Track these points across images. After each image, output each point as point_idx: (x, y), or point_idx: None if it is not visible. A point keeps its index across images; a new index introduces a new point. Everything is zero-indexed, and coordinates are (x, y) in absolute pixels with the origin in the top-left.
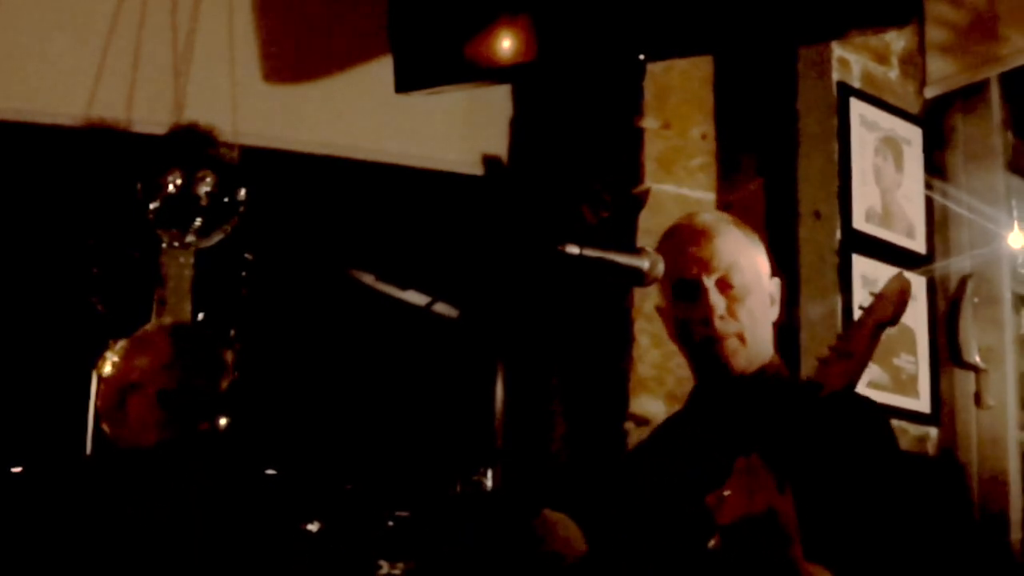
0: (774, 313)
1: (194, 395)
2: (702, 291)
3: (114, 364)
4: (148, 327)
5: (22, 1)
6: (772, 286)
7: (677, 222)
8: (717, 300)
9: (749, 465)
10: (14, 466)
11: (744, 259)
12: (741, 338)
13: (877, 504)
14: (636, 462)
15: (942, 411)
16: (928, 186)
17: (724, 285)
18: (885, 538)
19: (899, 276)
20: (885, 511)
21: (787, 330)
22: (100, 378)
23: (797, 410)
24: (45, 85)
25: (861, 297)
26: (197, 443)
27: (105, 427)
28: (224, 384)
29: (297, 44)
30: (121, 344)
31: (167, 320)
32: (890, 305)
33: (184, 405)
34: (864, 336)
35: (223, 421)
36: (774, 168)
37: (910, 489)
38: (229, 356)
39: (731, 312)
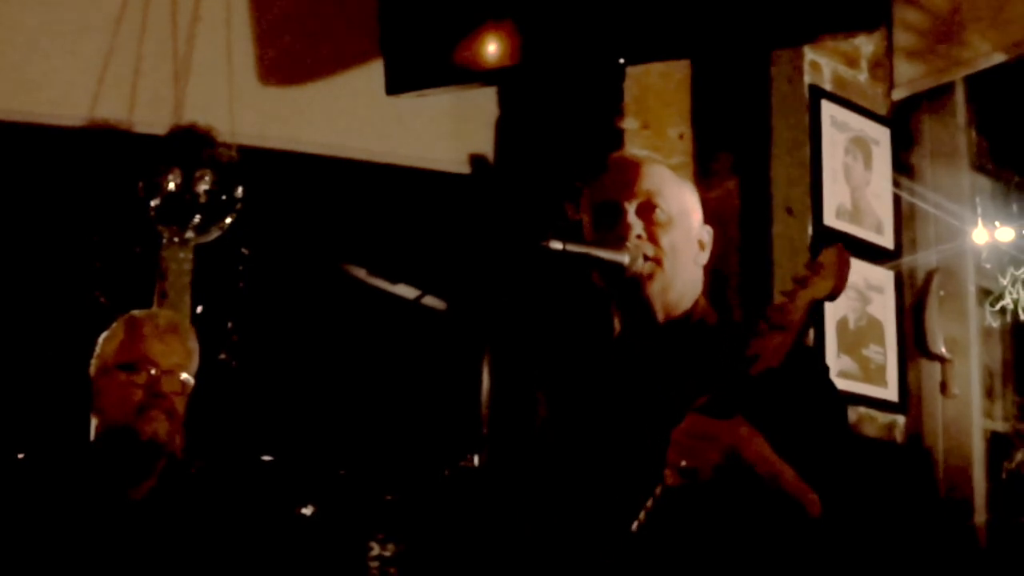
0: (703, 258)
1: (149, 359)
2: (621, 213)
3: (94, 361)
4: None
5: (28, 7)
6: (703, 233)
7: (609, 157)
8: (635, 221)
9: (687, 429)
10: (19, 453)
11: (669, 190)
12: (658, 262)
13: (830, 474)
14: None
15: (909, 400)
16: (896, 184)
17: (645, 209)
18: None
19: (838, 249)
20: (839, 478)
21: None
22: None
23: (730, 384)
24: (50, 88)
25: None
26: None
27: (94, 418)
28: (191, 353)
29: (292, 48)
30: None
31: (133, 312)
32: (829, 280)
33: (139, 370)
34: (799, 310)
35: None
36: (749, 167)
37: (861, 458)
38: (192, 329)
39: (650, 236)
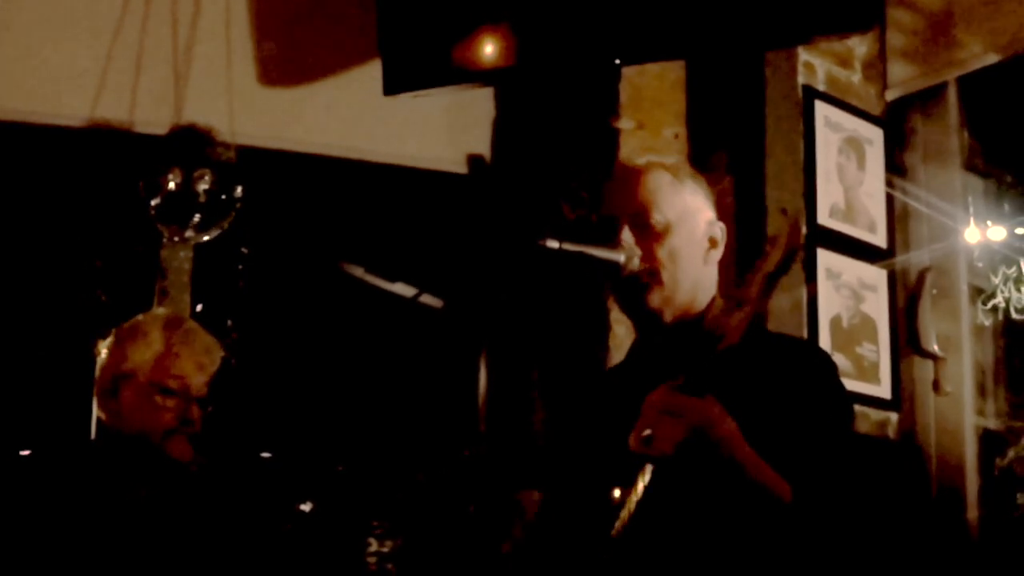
0: (715, 255)
1: (185, 385)
2: (617, 227)
3: (108, 351)
4: (140, 317)
5: (28, 7)
6: (714, 229)
7: (614, 166)
8: (627, 236)
9: (657, 399)
10: (22, 450)
11: (665, 197)
12: (656, 274)
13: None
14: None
15: (902, 397)
16: (889, 184)
17: (639, 222)
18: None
19: (787, 220)
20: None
21: (755, 320)
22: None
23: (696, 362)
24: (53, 89)
25: (826, 289)
26: (188, 427)
27: (100, 412)
28: (214, 372)
29: (291, 49)
30: (114, 332)
31: (159, 311)
32: (777, 252)
33: (176, 394)
34: (755, 286)
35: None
36: (743, 166)
37: (850, 431)
38: (220, 347)
39: (646, 248)
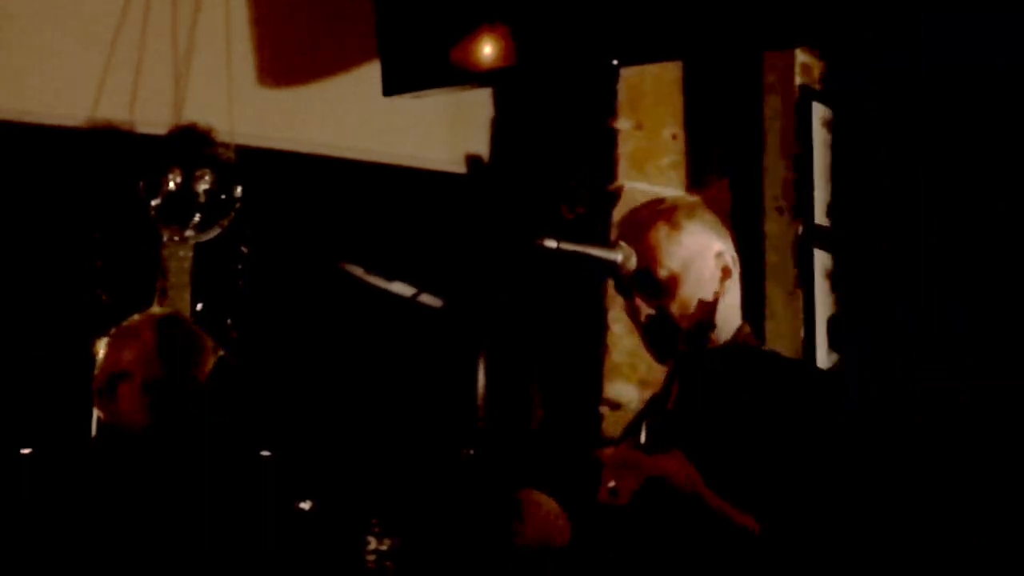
0: (730, 284)
1: (180, 383)
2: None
3: (104, 351)
4: (136, 317)
5: (29, 8)
6: (725, 259)
7: (625, 215)
8: (641, 303)
9: (615, 455)
10: (22, 449)
11: (665, 251)
12: (679, 332)
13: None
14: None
15: None
16: None
17: (645, 282)
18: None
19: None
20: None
21: (753, 320)
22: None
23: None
24: (54, 89)
25: (823, 289)
26: (187, 425)
27: (99, 412)
28: (208, 369)
29: (291, 50)
30: (111, 332)
31: (155, 310)
32: (687, 328)
33: (171, 392)
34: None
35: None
36: (740, 166)
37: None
38: (211, 343)
39: (656, 307)
